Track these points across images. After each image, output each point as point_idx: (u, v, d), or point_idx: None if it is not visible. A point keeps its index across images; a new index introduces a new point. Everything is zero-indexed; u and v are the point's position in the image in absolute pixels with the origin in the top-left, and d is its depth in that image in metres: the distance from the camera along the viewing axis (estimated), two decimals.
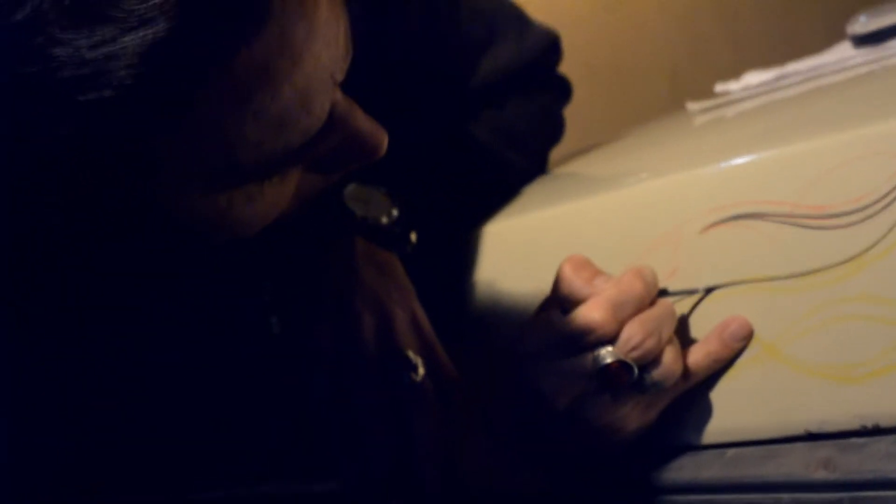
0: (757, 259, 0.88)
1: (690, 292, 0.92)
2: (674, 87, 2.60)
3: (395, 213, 1.01)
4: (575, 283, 0.90)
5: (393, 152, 0.99)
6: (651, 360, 0.87)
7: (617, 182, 0.99)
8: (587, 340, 0.87)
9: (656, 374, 0.87)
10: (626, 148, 1.20)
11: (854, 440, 0.84)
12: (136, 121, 0.65)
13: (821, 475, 0.84)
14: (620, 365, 0.87)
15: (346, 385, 0.92)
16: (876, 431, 0.83)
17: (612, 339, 0.87)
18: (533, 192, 1.12)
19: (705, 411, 0.91)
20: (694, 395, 0.91)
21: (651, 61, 2.61)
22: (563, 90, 1.25)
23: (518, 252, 1.03)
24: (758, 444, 0.88)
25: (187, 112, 0.66)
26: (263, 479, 0.91)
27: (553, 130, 1.24)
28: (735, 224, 0.89)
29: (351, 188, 1.00)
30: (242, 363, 0.91)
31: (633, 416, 0.89)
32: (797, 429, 0.86)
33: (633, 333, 0.87)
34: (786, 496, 0.85)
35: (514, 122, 1.17)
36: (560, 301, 0.91)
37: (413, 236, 1.02)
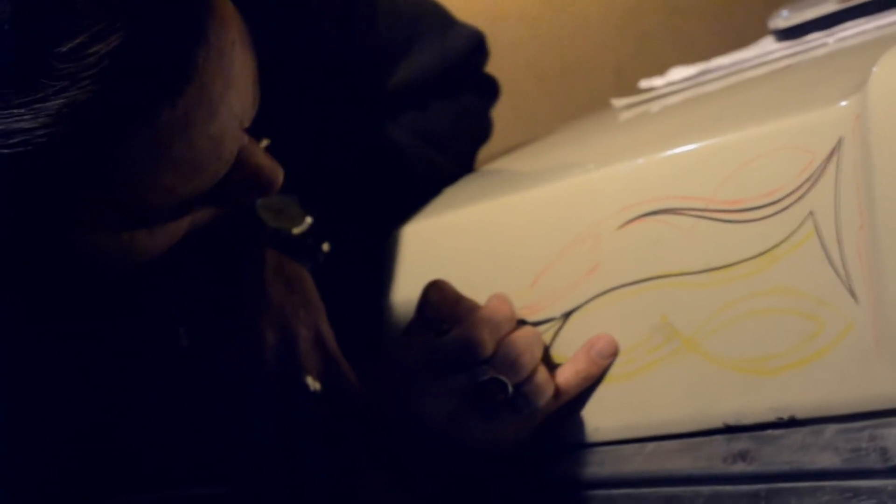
0: (674, 254, 0.89)
1: (548, 320, 0.94)
2: (619, 83, 2.61)
3: (308, 221, 1.01)
4: (444, 306, 0.92)
5: (310, 158, 1.00)
6: (525, 378, 0.90)
7: (536, 180, 0.99)
8: (468, 359, 0.90)
9: (529, 391, 0.90)
10: (549, 146, 1.20)
11: (770, 432, 0.84)
12: (56, 174, 0.67)
13: (739, 467, 0.85)
14: (496, 382, 0.89)
15: (241, 403, 0.92)
16: (792, 423, 0.84)
17: (489, 358, 0.90)
18: (454, 192, 1.13)
19: (625, 406, 0.91)
20: (613, 390, 0.92)
21: (596, 58, 2.62)
22: (490, 90, 1.25)
23: (435, 253, 1.03)
24: (677, 437, 0.89)
25: (109, 166, 0.68)
26: (162, 484, 0.91)
27: (479, 130, 1.24)
28: (652, 220, 0.90)
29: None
30: (151, 373, 0.91)
31: (506, 433, 0.91)
32: (715, 422, 0.87)
33: (509, 351, 0.90)
34: (705, 489, 0.86)
35: (435, 123, 1.17)
36: (429, 324, 0.93)
37: (325, 247, 1.02)
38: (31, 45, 0.65)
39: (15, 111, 0.65)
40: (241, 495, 0.90)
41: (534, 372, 0.91)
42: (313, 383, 0.92)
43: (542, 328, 0.95)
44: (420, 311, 0.95)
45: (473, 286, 0.98)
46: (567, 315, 0.94)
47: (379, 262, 1.07)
